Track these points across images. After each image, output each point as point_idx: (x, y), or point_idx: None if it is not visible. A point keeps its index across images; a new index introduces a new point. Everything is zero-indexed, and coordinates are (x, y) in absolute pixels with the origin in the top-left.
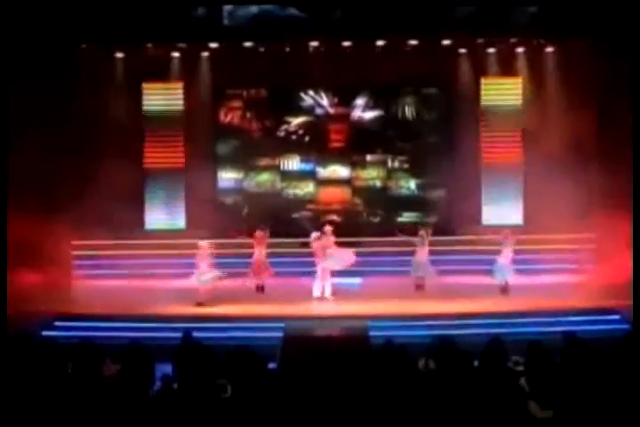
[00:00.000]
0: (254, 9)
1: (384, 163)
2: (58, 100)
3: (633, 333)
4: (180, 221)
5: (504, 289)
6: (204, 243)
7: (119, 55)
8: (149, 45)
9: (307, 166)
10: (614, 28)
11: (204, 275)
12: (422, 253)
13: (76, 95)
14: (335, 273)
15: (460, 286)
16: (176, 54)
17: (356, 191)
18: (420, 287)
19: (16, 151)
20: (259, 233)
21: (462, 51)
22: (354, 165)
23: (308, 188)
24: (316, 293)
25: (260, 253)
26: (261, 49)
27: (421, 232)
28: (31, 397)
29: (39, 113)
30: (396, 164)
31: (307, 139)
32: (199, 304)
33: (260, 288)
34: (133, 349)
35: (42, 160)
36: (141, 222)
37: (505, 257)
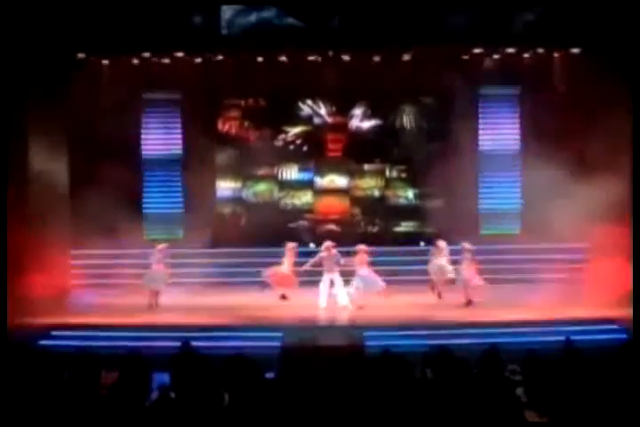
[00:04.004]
0: (252, 19)
1: (382, 172)
2: (56, 109)
3: (633, 342)
4: (179, 231)
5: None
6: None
7: (117, 65)
8: (147, 55)
9: (305, 176)
10: (613, 37)
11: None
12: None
13: (75, 105)
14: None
15: (456, 294)
16: (174, 64)
17: (354, 201)
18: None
19: (15, 160)
20: (291, 244)
21: (460, 60)
22: (352, 174)
23: (305, 197)
24: (323, 303)
25: (290, 264)
26: (259, 58)
27: (439, 242)
28: (28, 406)
29: (38, 123)
30: (394, 173)
31: (305, 148)
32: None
33: (284, 296)
34: (131, 358)
35: (40, 169)
36: (140, 231)
37: (467, 270)
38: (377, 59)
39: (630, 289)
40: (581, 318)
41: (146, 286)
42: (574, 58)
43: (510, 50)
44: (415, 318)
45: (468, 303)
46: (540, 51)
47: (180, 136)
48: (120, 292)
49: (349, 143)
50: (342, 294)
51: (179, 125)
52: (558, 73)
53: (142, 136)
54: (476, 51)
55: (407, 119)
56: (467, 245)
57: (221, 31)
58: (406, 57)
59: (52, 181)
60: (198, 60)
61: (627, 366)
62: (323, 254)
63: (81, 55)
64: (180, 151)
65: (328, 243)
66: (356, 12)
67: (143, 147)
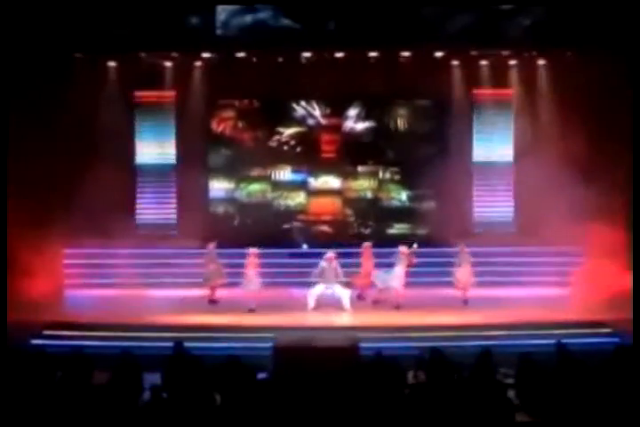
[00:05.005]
0: (248, 19)
1: (375, 174)
2: (51, 109)
3: (632, 346)
4: (173, 230)
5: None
6: (253, 250)
7: (112, 64)
8: (142, 55)
9: (298, 177)
10: (609, 40)
11: (252, 283)
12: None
13: (70, 104)
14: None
15: (449, 297)
16: (169, 64)
17: (347, 202)
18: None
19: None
20: (366, 244)
21: (455, 62)
22: (345, 175)
23: (299, 198)
24: (311, 304)
25: (368, 265)
26: (254, 59)
27: (462, 247)
28: (20, 406)
29: (34, 123)
30: (388, 175)
31: (298, 149)
32: (251, 311)
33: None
34: (124, 358)
35: (34, 169)
36: (134, 231)
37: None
38: (371, 61)
39: (627, 292)
40: (573, 321)
41: (206, 284)
42: (570, 61)
43: (505, 53)
44: (408, 321)
45: (398, 307)
46: (535, 54)
47: (173, 136)
48: (114, 291)
49: (343, 145)
50: (346, 298)
51: (172, 125)
52: (553, 76)
53: (137, 136)
54: (471, 53)
55: (401, 121)
56: (403, 249)
57: (216, 32)
58: (401, 59)
59: (46, 180)
60: (193, 60)
61: (620, 370)
62: (324, 264)
63: (76, 55)
64: (173, 151)
65: (330, 254)
66: (351, 14)
67: (137, 146)
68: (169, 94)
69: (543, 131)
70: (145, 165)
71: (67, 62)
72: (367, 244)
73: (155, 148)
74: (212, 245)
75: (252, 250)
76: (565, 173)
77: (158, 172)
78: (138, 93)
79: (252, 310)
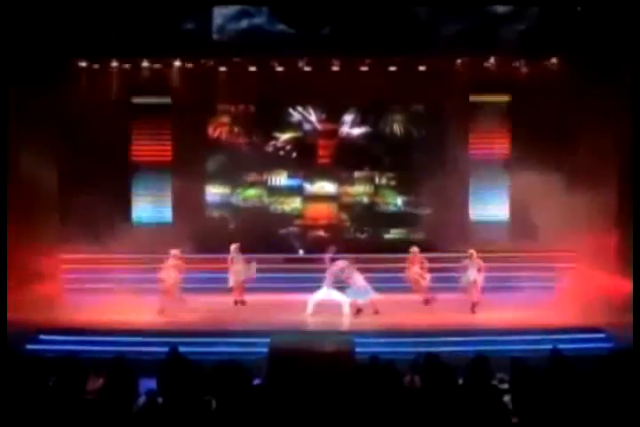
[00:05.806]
0: (244, 24)
1: (371, 179)
2: (46, 113)
3: (633, 351)
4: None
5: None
6: (175, 251)
7: (109, 69)
8: (139, 60)
9: (294, 182)
10: (605, 47)
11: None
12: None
13: (65, 109)
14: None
15: (445, 302)
16: (165, 69)
17: (343, 207)
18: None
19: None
20: (414, 249)
21: (450, 68)
22: (341, 181)
23: (295, 203)
24: (309, 310)
25: (413, 270)
26: (250, 64)
27: (470, 251)
28: (14, 412)
29: (28, 127)
30: (384, 180)
31: (294, 154)
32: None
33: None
34: (118, 363)
35: (30, 172)
36: (130, 235)
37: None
38: (367, 66)
39: (621, 297)
40: (568, 326)
41: (233, 282)
42: (563, 67)
43: (499, 58)
44: (403, 325)
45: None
46: (529, 60)
47: (169, 141)
48: (109, 296)
49: (339, 150)
50: (345, 303)
51: (168, 131)
52: (547, 82)
53: (132, 140)
54: (466, 59)
55: (397, 126)
56: (340, 263)
57: (212, 36)
58: (396, 65)
59: (41, 185)
60: (189, 65)
61: (615, 375)
62: (333, 269)
63: (73, 59)
64: (169, 156)
65: (343, 263)
66: (347, 19)
67: (133, 151)
68: (165, 99)
69: (539, 136)
70: (141, 170)
71: (61, 67)
72: (414, 249)
73: (151, 150)
74: (234, 246)
75: (174, 251)
76: (561, 179)
77: (154, 175)
78: (133, 99)
79: (160, 312)
